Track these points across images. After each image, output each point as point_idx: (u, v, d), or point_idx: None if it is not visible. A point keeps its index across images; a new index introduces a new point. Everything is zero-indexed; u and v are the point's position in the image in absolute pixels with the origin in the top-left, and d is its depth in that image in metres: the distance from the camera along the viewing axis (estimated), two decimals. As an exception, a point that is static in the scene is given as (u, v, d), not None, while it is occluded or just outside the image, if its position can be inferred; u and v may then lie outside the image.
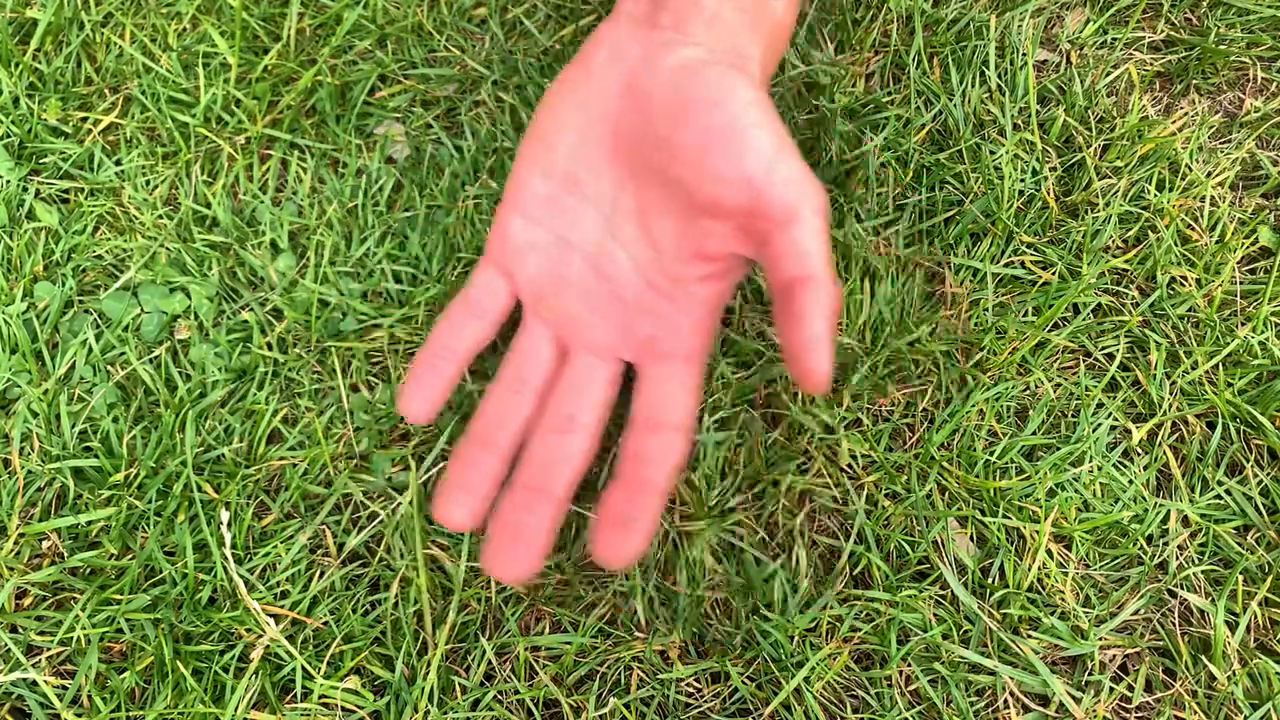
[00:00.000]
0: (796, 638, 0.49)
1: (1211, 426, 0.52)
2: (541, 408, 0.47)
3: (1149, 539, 0.50)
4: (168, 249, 0.60)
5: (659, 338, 0.46)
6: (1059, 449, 0.51)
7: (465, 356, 0.49)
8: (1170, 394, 0.53)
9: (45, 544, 0.53)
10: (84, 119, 0.64)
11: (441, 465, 0.54)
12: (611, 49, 0.47)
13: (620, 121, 0.46)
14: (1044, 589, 0.49)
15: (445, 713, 0.48)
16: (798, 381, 0.40)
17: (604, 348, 0.48)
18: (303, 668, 0.49)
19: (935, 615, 0.49)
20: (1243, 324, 0.54)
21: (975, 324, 0.55)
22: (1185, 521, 0.50)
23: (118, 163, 0.63)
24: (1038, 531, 0.49)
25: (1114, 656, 0.48)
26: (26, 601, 0.52)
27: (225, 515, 0.52)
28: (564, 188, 0.48)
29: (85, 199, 0.62)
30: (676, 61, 0.44)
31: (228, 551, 0.51)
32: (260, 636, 0.50)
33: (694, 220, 0.44)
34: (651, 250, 0.46)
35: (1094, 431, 0.52)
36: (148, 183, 0.62)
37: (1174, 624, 0.49)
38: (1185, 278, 0.55)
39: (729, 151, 0.41)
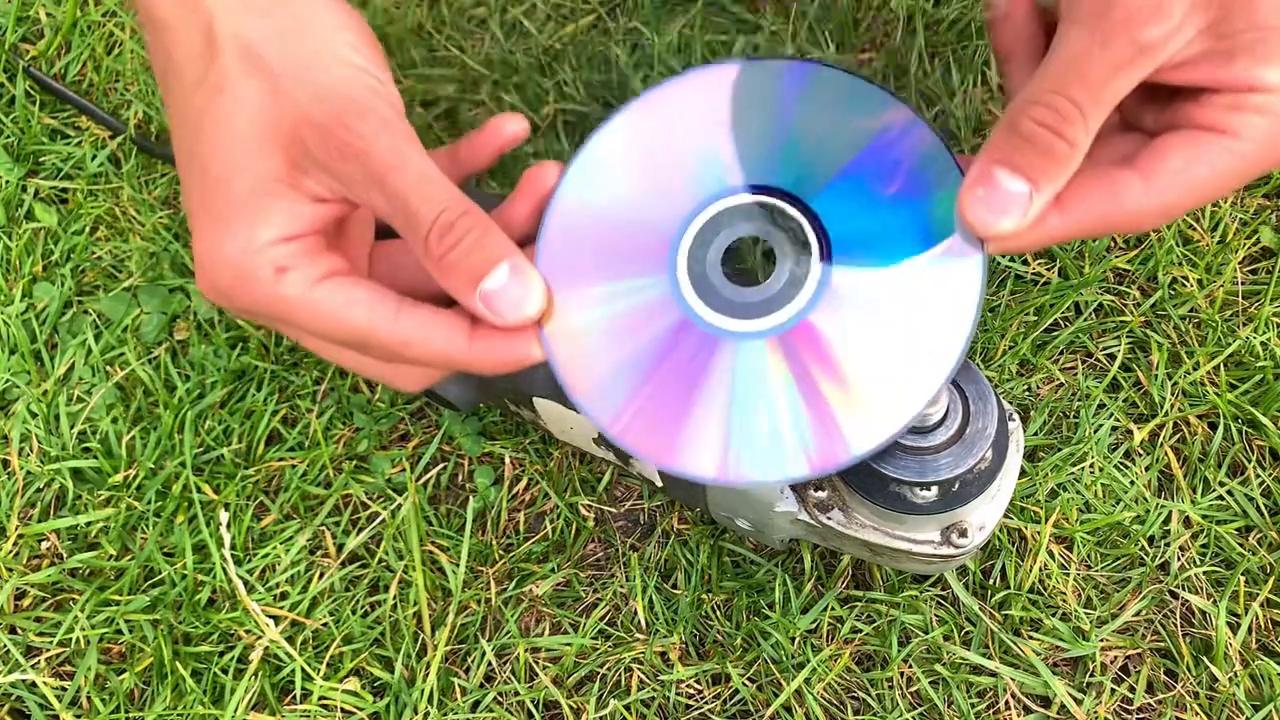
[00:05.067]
0: (797, 639, 0.49)
1: (1213, 427, 0.52)
2: None
3: (1150, 540, 0.50)
4: (167, 250, 0.60)
5: None
6: (1060, 449, 0.51)
7: None
8: (1172, 394, 0.53)
9: (44, 545, 0.53)
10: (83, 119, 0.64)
11: (440, 466, 0.54)
12: None
13: None
14: (1045, 590, 0.49)
15: (445, 714, 0.48)
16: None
17: None
18: (302, 669, 0.49)
19: (936, 616, 0.49)
20: (1244, 324, 0.54)
21: (976, 324, 0.55)
22: (1187, 522, 0.50)
23: (116, 163, 0.63)
24: (1039, 532, 0.49)
25: (1115, 658, 0.48)
26: (25, 602, 0.52)
27: (224, 516, 0.52)
28: None
29: (84, 199, 0.62)
30: None
31: (227, 552, 0.51)
32: (260, 638, 0.50)
33: None
34: None
35: (1095, 432, 0.52)
36: (147, 183, 0.62)
37: (1175, 625, 0.49)
38: (1187, 278, 0.55)
39: None
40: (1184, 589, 0.49)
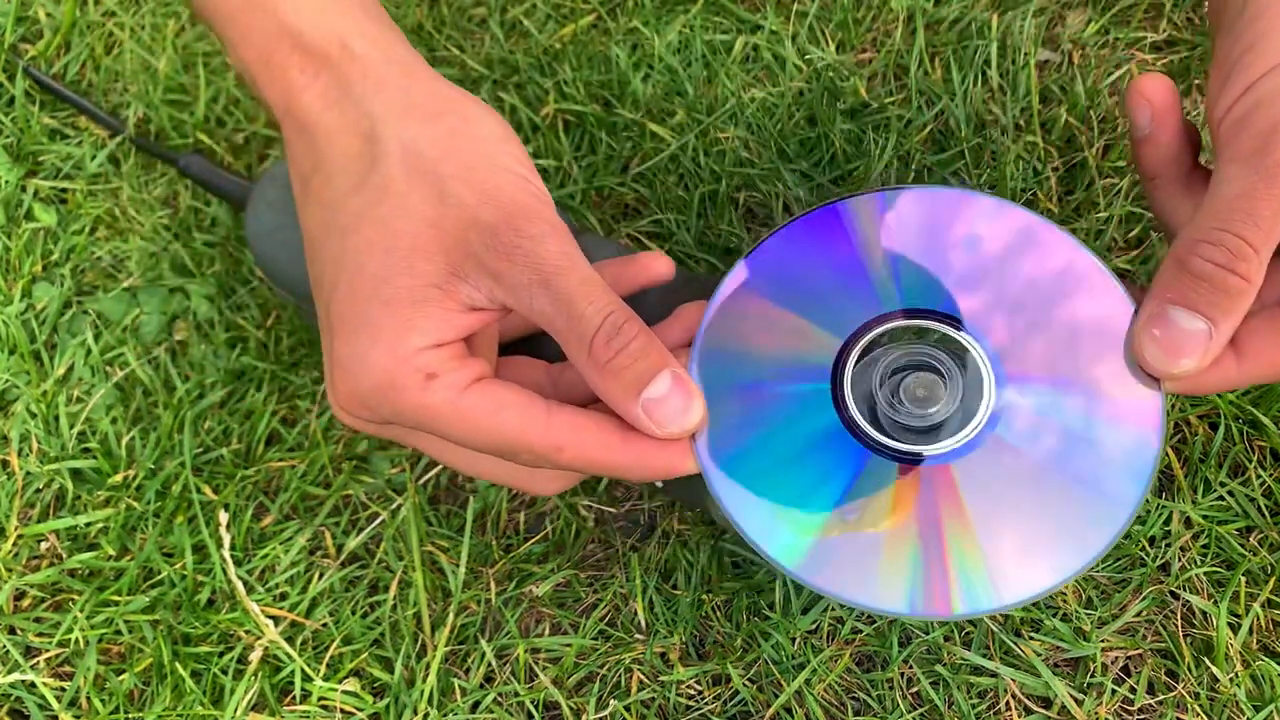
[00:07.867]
0: (798, 639, 0.49)
1: (1214, 427, 0.52)
2: None
3: (1151, 540, 0.50)
4: (167, 250, 0.60)
5: None
6: (1061, 450, 0.51)
7: None
8: (1172, 394, 0.53)
9: (44, 545, 0.53)
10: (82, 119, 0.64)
11: (440, 466, 0.54)
12: None
13: None
14: (1046, 590, 0.49)
15: (445, 715, 0.48)
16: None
17: None
18: (302, 670, 0.49)
19: (937, 617, 0.49)
20: (1245, 324, 0.54)
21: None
22: (1188, 523, 0.50)
23: (116, 163, 0.63)
24: (1039, 533, 0.49)
25: (1116, 658, 0.48)
26: (25, 603, 0.52)
27: (224, 516, 0.52)
28: None
29: (84, 199, 0.62)
30: None
31: (226, 553, 0.51)
32: (259, 638, 0.50)
33: None
34: None
35: (1096, 432, 0.52)
36: (146, 183, 0.62)
37: (1176, 625, 0.48)
38: (1187, 278, 0.55)
39: None
40: (1185, 589, 0.49)
